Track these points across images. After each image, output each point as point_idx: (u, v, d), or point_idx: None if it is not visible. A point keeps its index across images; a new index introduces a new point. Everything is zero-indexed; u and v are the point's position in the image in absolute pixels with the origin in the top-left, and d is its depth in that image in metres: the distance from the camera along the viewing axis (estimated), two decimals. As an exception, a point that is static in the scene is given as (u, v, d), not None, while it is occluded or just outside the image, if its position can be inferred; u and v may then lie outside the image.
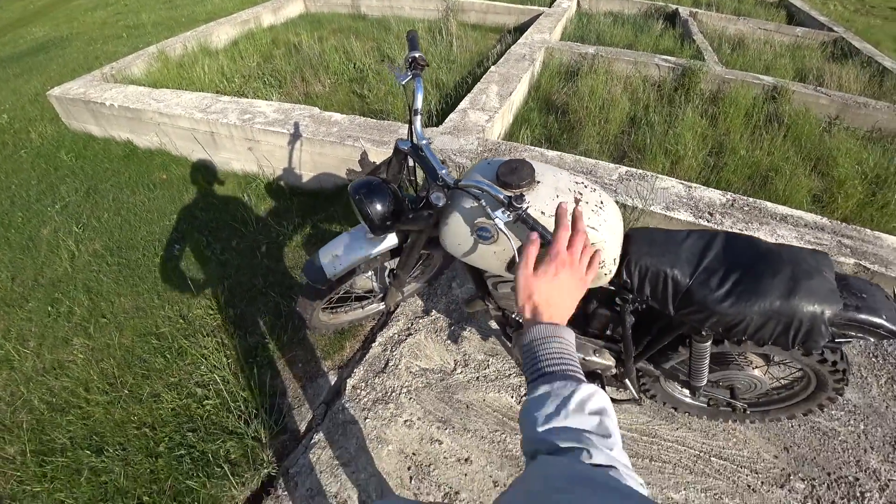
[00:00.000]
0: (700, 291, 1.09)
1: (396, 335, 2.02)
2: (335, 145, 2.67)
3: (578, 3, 6.38)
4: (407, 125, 1.37)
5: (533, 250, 0.65)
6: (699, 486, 1.63)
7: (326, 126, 2.78)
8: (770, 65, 4.70)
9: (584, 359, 1.41)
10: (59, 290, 2.39)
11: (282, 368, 1.96)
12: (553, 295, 0.62)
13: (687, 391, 1.66)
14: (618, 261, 1.13)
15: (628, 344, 1.33)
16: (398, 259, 1.57)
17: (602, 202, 1.11)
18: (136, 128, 3.28)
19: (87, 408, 1.89)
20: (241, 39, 4.97)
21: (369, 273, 1.72)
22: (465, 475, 1.60)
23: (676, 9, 6.02)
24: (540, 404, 0.54)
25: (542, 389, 0.55)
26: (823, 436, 1.79)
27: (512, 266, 1.15)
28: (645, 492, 0.45)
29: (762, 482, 1.66)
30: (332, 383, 1.90)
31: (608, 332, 1.43)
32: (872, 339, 1.09)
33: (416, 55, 1.35)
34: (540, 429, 0.52)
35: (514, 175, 1.06)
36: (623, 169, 2.45)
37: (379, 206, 1.24)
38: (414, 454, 1.65)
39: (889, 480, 1.68)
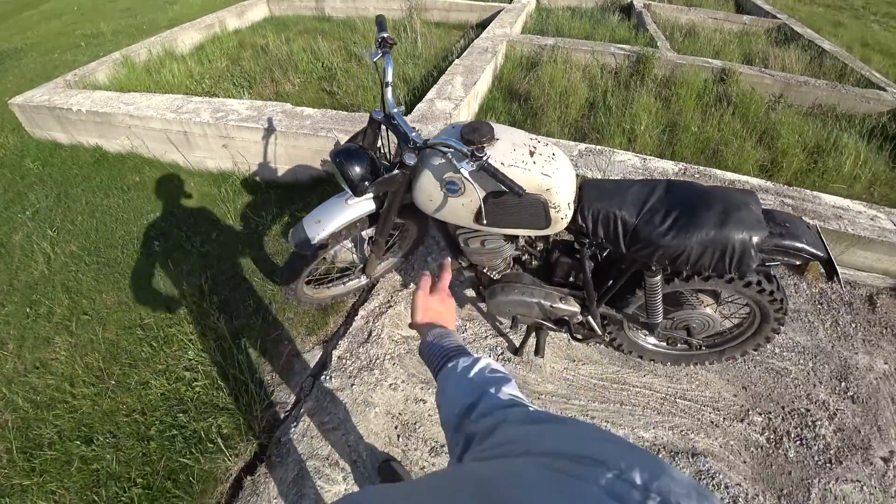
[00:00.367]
0: (645, 229, 1.23)
1: (378, 308, 2.12)
2: (309, 137, 2.74)
3: (538, -2, 6.60)
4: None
5: (426, 281, 0.83)
6: (667, 425, 1.77)
7: (299, 120, 2.85)
8: (719, 50, 4.97)
9: (550, 306, 1.53)
10: (36, 291, 2.38)
11: (269, 347, 2.02)
12: (442, 310, 0.81)
13: (650, 336, 1.81)
14: (572, 206, 1.26)
15: (590, 288, 1.46)
16: (376, 226, 1.68)
17: (554, 154, 1.24)
18: (105, 132, 3.28)
19: (74, 401, 1.90)
20: (206, 43, 4.97)
21: (349, 245, 1.81)
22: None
23: (631, 1, 6.29)
24: (454, 374, 0.65)
25: (450, 363, 0.67)
26: (777, 374, 1.97)
27: (479, 217, 1.26)
28: None
29: (724, 418, 1.81)
30: (319, 356, 1.98)
31: (572, 280, 1.56)
32: (797, 262, 1.24)
33: (385, 35, 1.48)
34: (460, 391, 0.62)
35: (476, 133, 1.18)
36: (583, 145, 2.61)
37: (358, 168, 1.35)
38: (400, 414, 1.74)
39: (836, 410, 1.86)
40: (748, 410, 1.84)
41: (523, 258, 1.64)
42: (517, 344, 1.94)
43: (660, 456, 1.38)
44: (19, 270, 2.52)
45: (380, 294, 2.19)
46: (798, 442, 1.75)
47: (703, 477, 1.64)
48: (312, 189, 2.87)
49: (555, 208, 1.24)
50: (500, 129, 1.27)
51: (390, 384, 1.83)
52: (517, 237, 1.52)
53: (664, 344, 1.83)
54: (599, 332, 1.66)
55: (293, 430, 1.71)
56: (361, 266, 1.96)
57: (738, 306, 1.73)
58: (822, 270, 1.30)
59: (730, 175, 2.51)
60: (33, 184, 3.20)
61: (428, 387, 1.83)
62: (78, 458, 1.73)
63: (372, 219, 1.68)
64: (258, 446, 1.71)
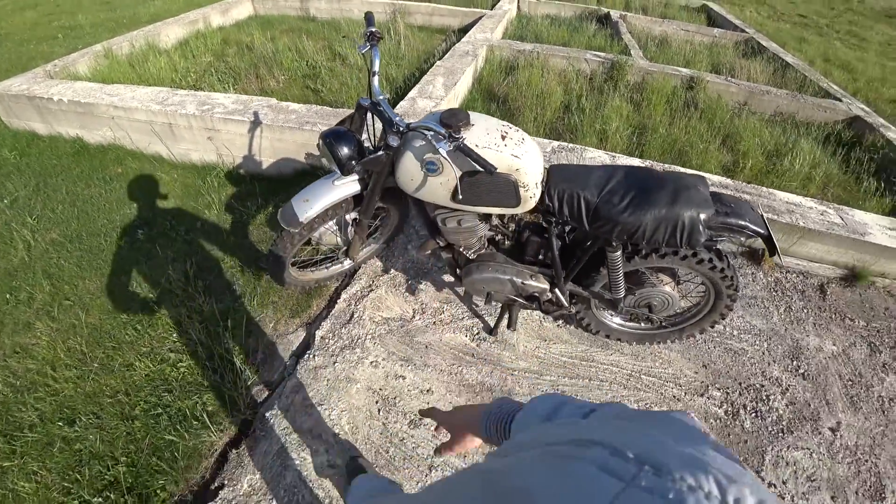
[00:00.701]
0: (605, 207, 1.36)
1: (359, 291, 2.20)
2: (294, 131, 2.82)
3: (518, 5, 6.81)
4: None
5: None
6: (632, 399, 1.90)
7: (285, 114, 2.92)
8: (690, 60, 5.23)
9: (522, 283, 1.65)
10: (16, 278, 2.38)
11: (253, 329, 2.08)
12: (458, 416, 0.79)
13: (615, 315, 1.94)
14: (540, 186, 1.38)
15: (557, 265, 1.59)
16: (360, 207, 1.78)
17: (523, 139, 1.37)
18: (87, 123, 3.28)
19: (56, 385, 1.91)
20: (190, 39, 4.99)
21: (334, 227, 1.90)
22: (427, 403, 1.79)
23: (608, 12, 6.55)
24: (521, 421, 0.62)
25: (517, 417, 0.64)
26: (735, 354, 2.12)
27: (455, 196, 1.37)
28: None
29: (685, 392, 1.95)
30: (303, 337, 2.05)
31: (541, 258, 1.69)
32: (742, 238, 1.38)
33: (373, 30, 1.61)
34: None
35: (454, 118, 1.31)
36: (556, 143, 2.75)
37: (346, 149, 1.46)
38: (380, 389, 1.83)
39: (788, 385, 2.01)
40: (708, 386, 1.98)
41: (497, 238, 1.76)
42: (492, 325, 2.05)
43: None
44: (-2, 257, 2.51)
45: (362, 279, 2.27)
46: (753, 414, 1.90)
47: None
48: (296, 181, 2.93)
49: (524, 187, 1.36)
50: (476, 116, 1.39)
51: (371, 361, 1.91)
52: (490, 216, 1.63)
53: (630, 323, 1.96)
54: (566, 306, 1.78)
55: (277, 405, 1.77)
56: (345, 249, 2.04)
57: (694, 285, 1.87)
58: (765, 246, 1.44)
59: (693, 172, 2.67)
60: (10, 173, 3.17)
61: (407, 364, 1.92)
62: (60, 439, 1.74)
63: (356, 201, 1.78)
64: (243, 422, 1.77)
